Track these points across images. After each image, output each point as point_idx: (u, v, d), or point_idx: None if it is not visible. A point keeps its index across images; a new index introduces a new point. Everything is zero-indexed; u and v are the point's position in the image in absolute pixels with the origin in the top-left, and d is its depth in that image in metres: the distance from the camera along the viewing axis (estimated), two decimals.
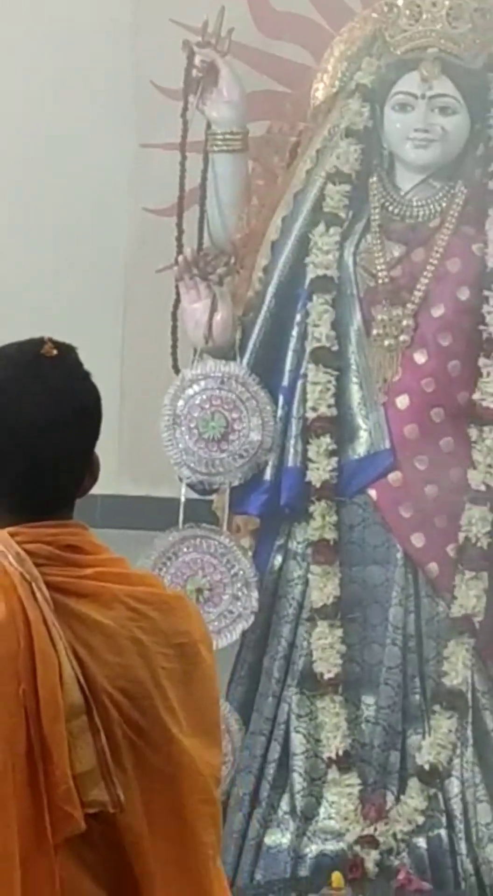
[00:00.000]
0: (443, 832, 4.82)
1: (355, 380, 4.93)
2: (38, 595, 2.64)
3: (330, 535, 4.81)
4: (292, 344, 4.98)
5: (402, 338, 4.87)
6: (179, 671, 2.70)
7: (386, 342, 4.88)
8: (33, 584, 2.64)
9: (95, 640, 2.67)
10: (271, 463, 4.91)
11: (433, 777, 4.79)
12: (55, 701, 2.60)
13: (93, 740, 2.62)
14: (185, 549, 4.86)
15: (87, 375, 2.76)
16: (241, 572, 4.80)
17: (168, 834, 2.67)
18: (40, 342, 2.71)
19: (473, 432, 4.84)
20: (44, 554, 2.66)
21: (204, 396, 4.85)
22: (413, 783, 4.78)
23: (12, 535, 2.66)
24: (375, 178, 4.98)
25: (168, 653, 2.70)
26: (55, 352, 2.71)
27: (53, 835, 2.57)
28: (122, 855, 2.65)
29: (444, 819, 4.83)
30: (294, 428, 4.92)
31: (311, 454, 4.83)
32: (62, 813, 2.57)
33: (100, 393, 2.78)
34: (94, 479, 2.78)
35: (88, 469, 2.76)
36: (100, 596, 2.69)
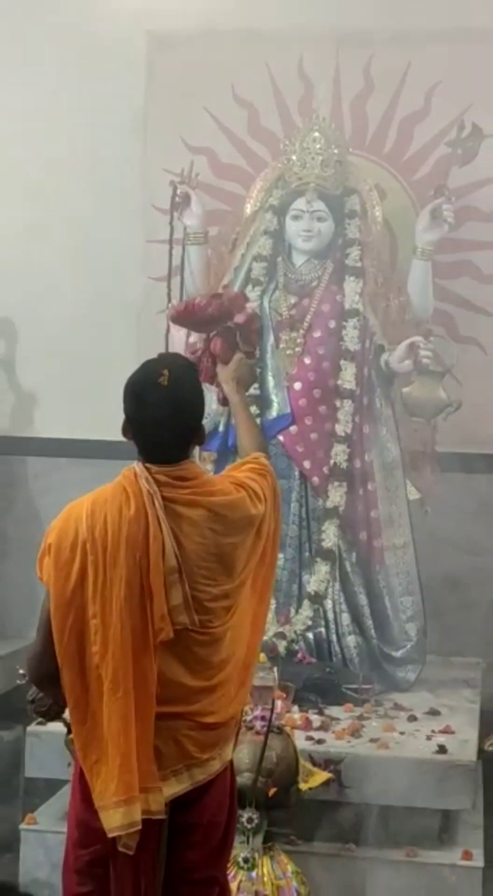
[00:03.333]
0: (322, 630, 5.15)
1: (270, 374, 5.22)
2: (157, 502, 2.99)
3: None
4: None
5: (297, 349, 5.20)
6: (240, 541, 3.05)
7: (288, 352, 5.21)
8: (154, 496, 3.00)
9: (188, 530, 3.01)
10: (223, 421, 5.01)
11: (317, 599, 5.14)
12: (158, 564, 2.96)
13: (181, 587, 2.99)
14: None
15: (189, 391, 3.07)
16: None
17: (226, 638, 3.06)
18: (159, 373, 3.03)
19: (337, 402, 5.16)
20: (163, 480, 3.02)
21: None
22: (305, 603, 5.15)
23: (147, 468, 3.05)
24: (280, 258, 5.29)
25: (233, 531, 3.03)
26: (166, 382, 3.02)
27: (154, 638, 2.97)
28: (198, 650, 3.02)
29: (323, 622, 5.15)
30: None
31: None
32: (159, 627, 2.97)
33: (198, 398, 3.10)
34: (200, 443, 3.16)
35: (195, 437, 3.11)
36: (192, 503, 3.02)
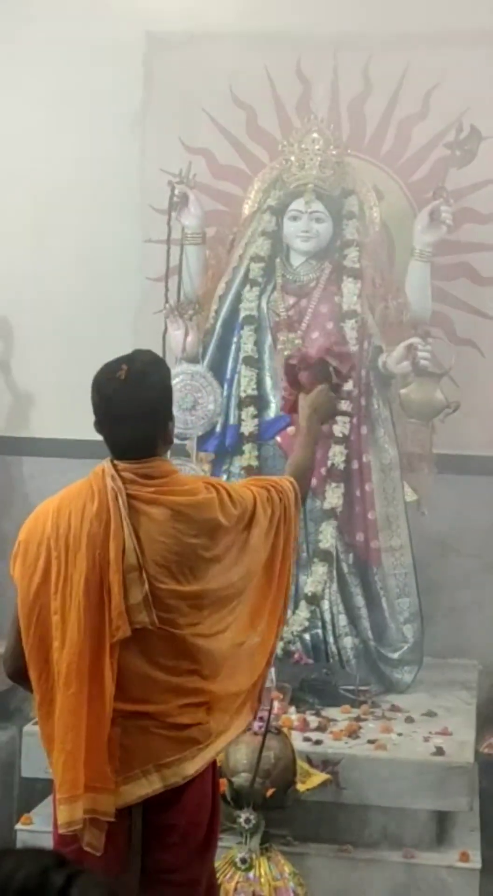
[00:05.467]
0: (319, 631, 5.12)
1: (267, 374, 5.24)
2: (120, 500, 2.98)
3: (254, 463, 5.16)
4: (232, 354, 5.27)
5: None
6: (204, 541, 3.03)
7: (285, 353, 5.04)
8: (118, 494, 2.99)
9: (150, 528, 2.99)
10: (220, 422, 5.23)
11: (314, 600, 5.11)
12: (117, 562, 2.95)
13: (141, 586, 2.97)
14: None
15: (148, 386, 3.05)
16: None
17: (179, 637, 3.02)
18: (119, 368, 3.04)
19: None
20: (128, 478, 3.03)
21: (182, 384, 5.08)
22: (302, 603, 5.11)
23: (114, 465, 3.05)
24: (278, 259, 5.28)
25: (197, 532, 3.01)
26: (124, 376, 3.01)
27: (111, 637, 2.96)
28: (161, 646, 3.00)
29: (320, 623, 5.12)
30: (233, 402, 5.24)
31: (243, 416, 5.17)
32: (116, 625, 2.96)
33: (158, 394, 3.07)
34: (167, 441, 3.12)
35: (161, 434, 3.09)
36: (154, 502, 3.02)
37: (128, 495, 2.99)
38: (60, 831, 2.98)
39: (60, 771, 2.97)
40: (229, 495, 3.11)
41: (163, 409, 3.12)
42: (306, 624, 5.14)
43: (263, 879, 4.00)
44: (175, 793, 3.06)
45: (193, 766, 3.04)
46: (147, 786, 3.01)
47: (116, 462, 3.06)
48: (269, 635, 3.23)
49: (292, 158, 5.30)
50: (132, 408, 3.05)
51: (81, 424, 5.66)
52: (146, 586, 2.96)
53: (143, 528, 2.99)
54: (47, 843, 4.14)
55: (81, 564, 2.96)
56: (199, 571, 3.04)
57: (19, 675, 3.11)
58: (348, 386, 3.62)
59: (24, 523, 3.12)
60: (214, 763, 3.22)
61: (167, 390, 3.16)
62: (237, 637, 3.13)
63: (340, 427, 5.18)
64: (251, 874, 3.99)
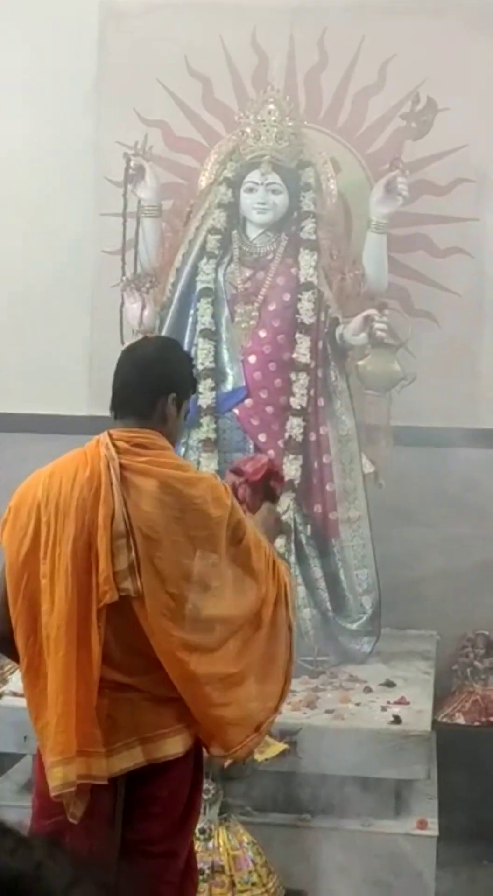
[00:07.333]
0: None
1: (225, 346, 5.21)
2: (112, 468, 3.03)
3: (212, 435, 5.17)
4: (189, 326, 5.23)
5: (251, 322, 5.19)
6: (187, 519, 3.03)
7: (243, 325, 5.19)
8: (110, 462, 3.04)
9: (138, 498, 3.02)
10: None
11: None
12: (106, 528, 2.99)
13: (127, 553, 3.00)
14: None
15: (167, 348, 3.27)
16: None
17: (162, 609, 3.01)
18: (147, 337, 3.28)
19: (292, 376, 5.14)
20: (122, 447, 3.07)
21: None
22: None
23: (110, 433, 3.12)
24: (235, 232, 5.28)
25: (183, 508, 3.03)
26: (153, 336, 3.30)
27: (98, 602, 2.99)
28: (141, 619, 3.01)
29: None
30: None
31: (200, 389, 5.09)
32: (103, 590, 2.98)
33: (171, 360, 3.20)
34: (164, 419, 3.15)
35: (160, 403, 3.15)
36: (146, 473, 3.04)
37: (120, 465, 3.03)
38: (53, 794, 2.97)
39: (53, 732, 2.97)
40: (225, 489, 3.14)
41: (170, 373, 3.19)
42: None
43: (222, 849, 4.04)
44: (160, 765, 3.08)
45: (175, 745, 3.06)
46: (130, 759, 3.03)
47: (112, 432, 3.11)
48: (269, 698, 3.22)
49: (248, 130, 5.29)
50: (148, 352, 3.21)
51: (39, 398, 5.81)
52: (133, 553, 2.99)
53: (132, 497, 3.02)
54: (8, 817, 4.22)
55: (70, 528, 3.00)
56: (181, 550, 3.03)
57: (3, 642, 3.14)
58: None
59: (16, 490, 3.15)
60: (197, 736, 3.22)
61: (180, 370, 3.24)
62: (213, 668, 3.08)
63: (297, 399, 5.20)
64: (210, 844, 4.03)
